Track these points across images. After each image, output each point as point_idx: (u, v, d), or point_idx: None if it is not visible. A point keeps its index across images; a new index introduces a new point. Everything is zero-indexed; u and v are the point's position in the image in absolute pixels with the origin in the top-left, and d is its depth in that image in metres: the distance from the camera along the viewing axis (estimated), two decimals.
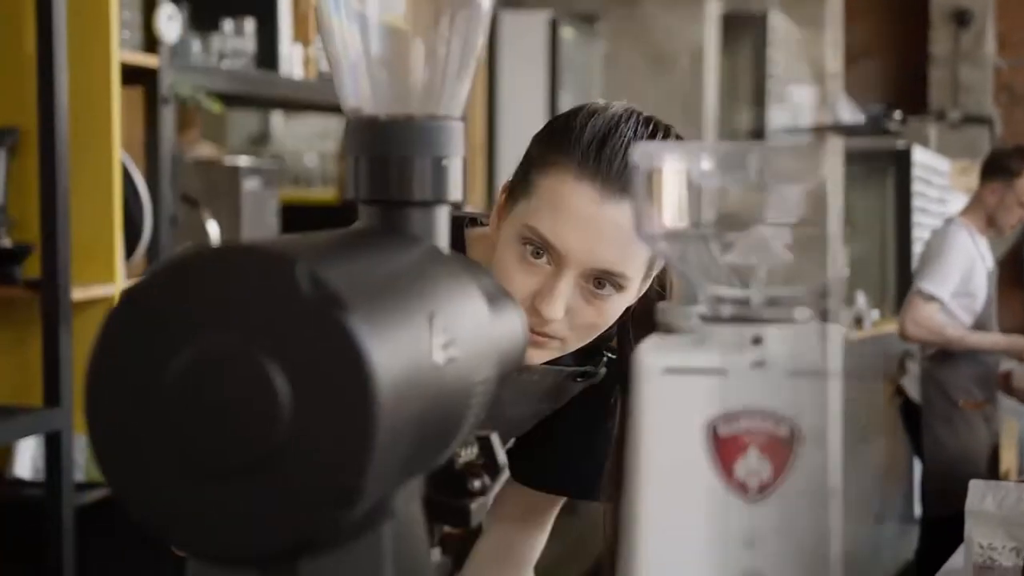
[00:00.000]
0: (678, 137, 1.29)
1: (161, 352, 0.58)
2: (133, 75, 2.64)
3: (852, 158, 6.12)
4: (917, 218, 7.13)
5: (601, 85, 5.57)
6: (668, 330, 0.72)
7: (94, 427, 0.60)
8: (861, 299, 6.36)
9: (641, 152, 0.66)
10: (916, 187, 7.04)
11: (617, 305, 1.27)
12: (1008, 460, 4.74)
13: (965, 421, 4.39)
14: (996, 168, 4.41)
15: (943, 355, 4.43)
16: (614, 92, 4.87)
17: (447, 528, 0.82)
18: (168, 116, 2.70)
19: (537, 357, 1.28)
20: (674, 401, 0.65)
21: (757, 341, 0.65)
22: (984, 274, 4.44)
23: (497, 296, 0.80)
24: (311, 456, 0.57)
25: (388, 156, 0.73)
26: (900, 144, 6.92)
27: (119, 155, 2.50)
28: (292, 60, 3.31)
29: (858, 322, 5.75)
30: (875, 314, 6.10)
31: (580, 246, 1.22)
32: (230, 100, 3.46)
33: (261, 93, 3.31)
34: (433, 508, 0.77)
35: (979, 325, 4.41)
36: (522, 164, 1.30)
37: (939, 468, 4.32)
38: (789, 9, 7.82)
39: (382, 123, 0.74)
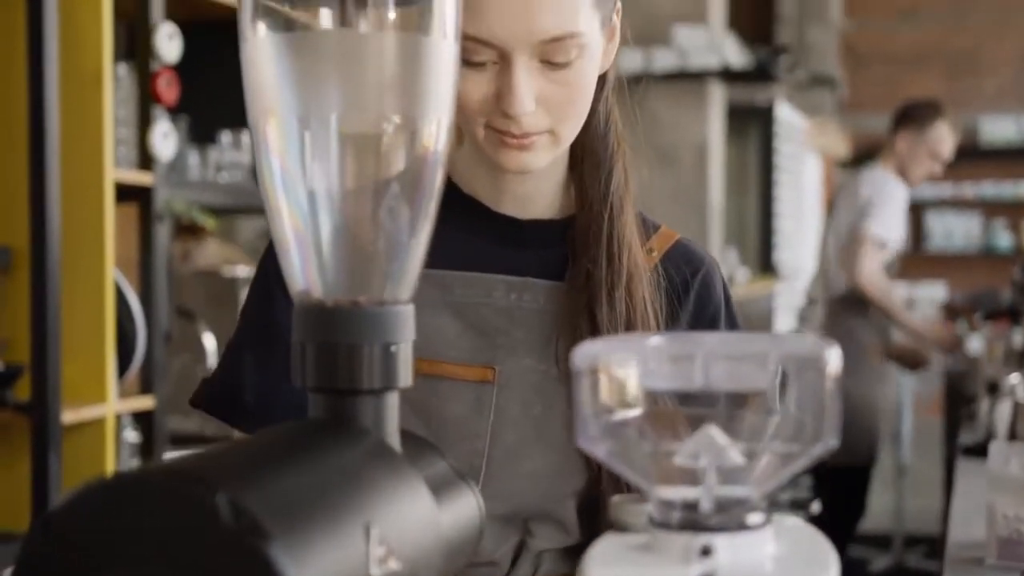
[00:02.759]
0: None
1: None
2: (128, 191, 2.65)
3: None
4: (776, 176, 7.19)
5: None
6: (622, 528, 0.70)
7: None
8: (732, 256, 6.35)
9: (582, 353, 0.64)
10: (776, 144, 7.09)
11: (587, 70, 1.15)
12: None
13: (867, 368, 4.31)
14: (908, 118, 4.47)
15: (852, 297, 4.37)
16: None
17: None
18: (163, 232, 2.70)
19: (535, 161, 1.17)
20: None
21: (706, 552, 0.62)
22: (904, 227, 4.49)
23: (448, 482, 0.78)
24: None
25: (336, 343, 0.71)
26: (761, 100, 6.94)
27: (112, 274, 2.49)
28: None
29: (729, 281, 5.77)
30: (744, 272, 6.16)
31: (515, 28, 1.10)
32: (228, 210, 3.47)
33: (257, 205, 3.32)
34: None
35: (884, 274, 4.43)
36: None
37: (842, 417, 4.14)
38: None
39: (329, 309, 0.72)
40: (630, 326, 1.21)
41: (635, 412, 0.65)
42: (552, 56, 1.12)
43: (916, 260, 9.58)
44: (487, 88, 1.13)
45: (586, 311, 1.22)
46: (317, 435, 0.69)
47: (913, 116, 4.44)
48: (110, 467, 2.50)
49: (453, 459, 0.83)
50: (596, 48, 1.16)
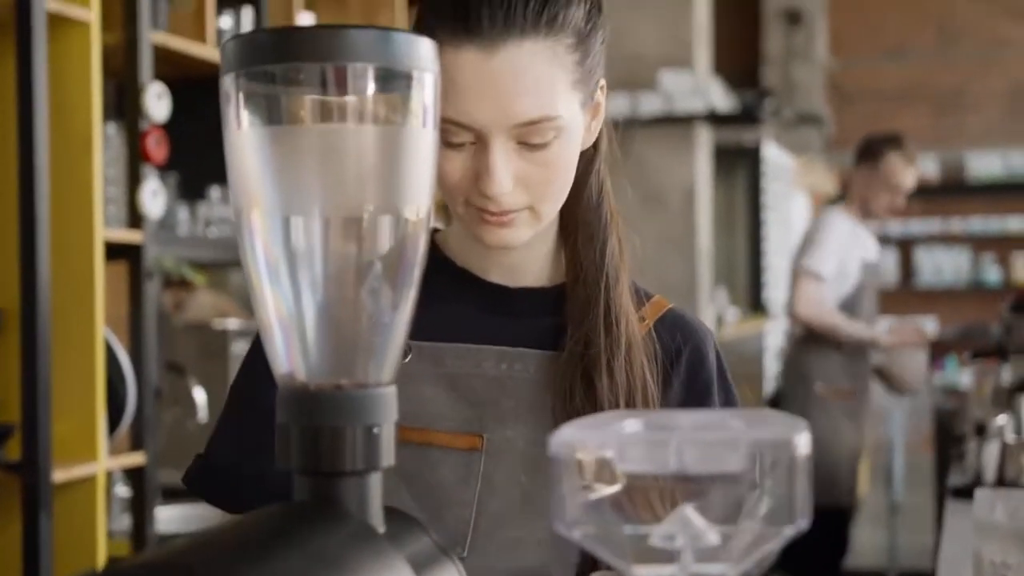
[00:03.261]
0: None
1: None
2: (117, 249, 2.66)
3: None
4: (764, 215, 7.22)
5: None
6: None
7: None
8: (722, 296, 6.39)
9: (559, 441, 0.66)
10: (764, 183, 7.14)
11: (565, 150, 1.17)
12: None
13: (824, 410, 4.32)
14: (864, 153, 4.53)
15: (809, 338, 4.40)
16: None
17: None
18: (152, 290, 2.71)
19: (516, 237, 1.19)
20: None
21: None
22: (858, 261, 4.49)
23: (432, 559, 0.79)
24: None
25: (319, 426, 0.73)
26: (748, 140, 7.01)
27: (102, 333, 2.50)
28: None
29: (719, 321, 5.87)
30: (734, 312, 6.20)
31: (491, 112, 1.12)
32: (219, 264, 3.48)
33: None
34: None
35: (844, 309, 4.44)
36: None
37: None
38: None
39: (312, 393, 0.73)
40: (630, 395, 1.23)
41: (611, 494, 0.67)
42: (528, 138, 1.15)
43: (906, 295, 9.63)
44: (466, 167, 1.16)
45: (583, 381, 1.22)
46: (301, 519, 0.70)
47: (868, 151, 4.52)
48: (101, 525, 2.51)
49: (440, 527, 0.84)
50: (576, 127, 1.18)
